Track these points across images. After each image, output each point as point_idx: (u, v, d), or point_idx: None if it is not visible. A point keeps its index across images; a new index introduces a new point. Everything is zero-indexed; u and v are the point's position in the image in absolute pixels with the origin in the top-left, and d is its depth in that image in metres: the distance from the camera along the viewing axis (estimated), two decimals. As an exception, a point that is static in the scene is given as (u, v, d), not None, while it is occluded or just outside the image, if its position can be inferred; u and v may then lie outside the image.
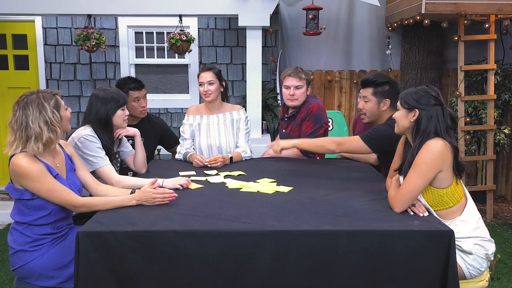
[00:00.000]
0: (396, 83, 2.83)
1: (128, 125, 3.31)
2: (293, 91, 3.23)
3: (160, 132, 3.56)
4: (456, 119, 2.22)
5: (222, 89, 3.26)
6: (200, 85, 3.21)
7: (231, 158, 3.15)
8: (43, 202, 2.10)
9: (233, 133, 3.31)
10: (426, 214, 2.07)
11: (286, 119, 3.42)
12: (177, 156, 3.32)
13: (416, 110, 2.14)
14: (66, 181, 2.18)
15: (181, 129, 3.38)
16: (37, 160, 2.07)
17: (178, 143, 3.65)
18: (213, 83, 3.18)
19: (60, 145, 2.31)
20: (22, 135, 2.06)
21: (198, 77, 3.24)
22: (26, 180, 2.05)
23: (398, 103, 2.24)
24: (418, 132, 2.14)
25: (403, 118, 2.20)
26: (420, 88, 2.21)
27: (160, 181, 2.49)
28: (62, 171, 2.22)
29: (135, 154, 2.94)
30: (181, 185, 2.48)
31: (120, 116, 2.74)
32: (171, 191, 2.23)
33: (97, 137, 2.63)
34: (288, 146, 2.80)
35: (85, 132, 2.61)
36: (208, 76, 3.17)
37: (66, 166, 2.27)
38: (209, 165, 3.01)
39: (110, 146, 2.72)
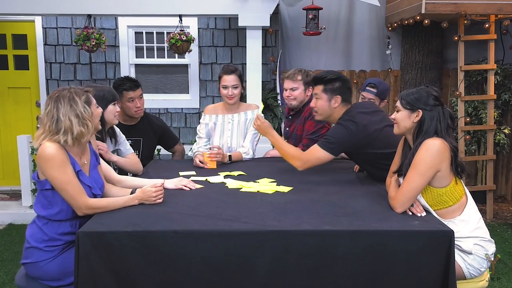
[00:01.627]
0: (347, 80, 2.75)
1: (127, 126, 3.31)
2: (289, 92, 3.29)
3: (159, 132, 3.55)
4: (455, 119, 2.20)
5: (243, 91, 3.31)
6: (224, 87, 3.21)
7: (229, 156, 3.16)
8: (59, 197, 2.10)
9: (245, 134, 3.34)
10: (424, 214, 2.07)
11: (290, 117, 3.44)
12: (189, 152, 3.39)
13: (420, 111, 2.13)
14: (88, 179, 2.18)
15: (198, 128, 3.40)
16: (63, 151, 2.07)
17: (178, 143, 3.65)
18: (237, 87, 3.22)
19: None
20: (52, 128, 2.07)
21: (220, 78, 3.24)
22: (47, 165, 2.04)
23: (399, 104, 2.21)
24: (420, 132, 2.13)
25: (405, 119, 2.18)
26: (421, 88, 2.20)
27: (161, 181, 2.49)
28: (86, 169, 2.21)
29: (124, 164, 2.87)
30: (184, 186, 2.49)
31: (111, 111, 2.71)
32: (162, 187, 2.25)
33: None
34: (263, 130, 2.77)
35: None
36: (233, 79, 3.19)
37: (90, 163, 2.27)
38: (206, 166, 3.02)
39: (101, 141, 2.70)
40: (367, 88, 3.28)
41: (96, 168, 2.30)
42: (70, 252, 2.15)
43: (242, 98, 3.45)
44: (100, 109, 2.26)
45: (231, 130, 3.32)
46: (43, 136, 2.09)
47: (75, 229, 2.16)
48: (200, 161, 3.06)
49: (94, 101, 2.21)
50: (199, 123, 3.41)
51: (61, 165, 2.04)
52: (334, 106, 2.67)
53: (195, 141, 3.44)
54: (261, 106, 3.17)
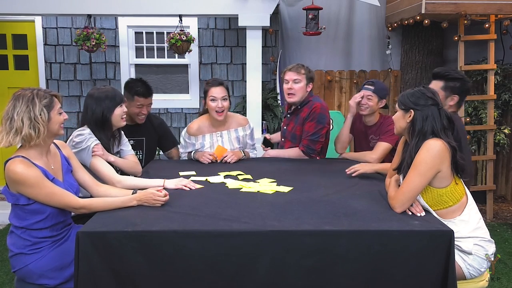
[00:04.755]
0: (469, 82, 2.72)
1: (129, 126, 3.29)
2: (291, 85, 3.21)
3: (159, 131, 3.51)
4: (453, 120, 2.22)
5: (230, 104, 3.21)
6: (212, 100, 3.09)
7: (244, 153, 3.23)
8: (40, 207, 2.07)
9: (240, 149, 3.30)
10: (423, 214, 2.07)
11: (288, 115, 3.41)
12: (181, 157, 3.33)
13: (411, 110, 2.17)
14: (62, 184, 2.17)
15: (182, 142, 3.30)
16: (32, 165, 2.04)
17: (175, 146, 3.61)
18: (226, 99, 3.12)
19: (56, 146, 2.30)
20: (7, 126, 2.05)
21: (207, 92, 3.12)
22: (24, 186, 2.02)
23: (396, 105, 2.27)
24: (414, 132, 2.16)
25: (400, 119, 2.23)
26: (417, 89, 2.23)
27: (161, 181, 2.49)
28: (58, 174, 2.20)
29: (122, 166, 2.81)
30: (184, 186, 2.48)
31: (118, 114, 2.69)
32: (166, 193, 2.21)
33: (94, 136, 2.62)
34: (369, 171, 2.74)
35: (82, 131, 2.62)
36: (221, 91, 3.09)
37: (62, 168, 2.25)
38: (222, 161, 3.07)
39: (107, 146, 2.70)
40: (365, 86, 3.25)
41: (70, 172, 2.29)
42: (59, 248, 2.15)
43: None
44: (64, 116, 2.19)
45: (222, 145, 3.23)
46: (1, 136, 2.05)
47: (55, 233, 2.17)
48: (209, 155, 3.09)
49: (57, 106, 2.15)
50: (183, 139, 3.27)
51: (37, 182, 2.02)
52: (450, 103, 2.69)
53: None
54: None
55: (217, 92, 3.08)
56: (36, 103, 2.06)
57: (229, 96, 3.18)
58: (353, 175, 2.73)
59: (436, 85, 2.70)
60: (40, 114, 2.05)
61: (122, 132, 2.93)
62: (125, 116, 2.75)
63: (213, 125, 3.22)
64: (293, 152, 3.29)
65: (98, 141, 2.61)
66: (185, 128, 3.32)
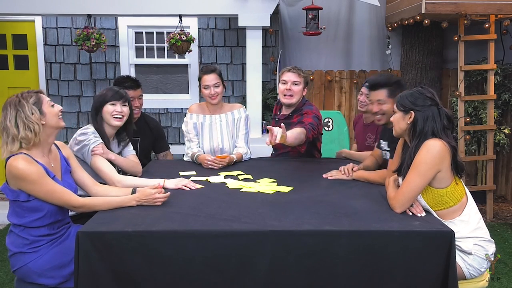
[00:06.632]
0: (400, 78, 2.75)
1: (123, 125, 3.29)
2: (290, 85, 3.13)
3: (154, 133, 3.52)
4: (452, 119, 2.21)
5: (225, 89, 3.26)
6: (205, 88, 3.17)
7: (235, 161, 3.14)
8: (39, 204, 2.08)
9: (234, 133, 3.30)
10: (424, 214, 2.07)
11: (277, 119, 3.32)
12: (184, 158, 3.31)
13: (412, 112, 2.15)
14: (61, 183, 2.17)
15: (184, 128, 3.31)
16: (34, 162, 2.05)
17: (167, 149, 3.60)
18: (218, 85, 3.17)
19: (56, 146, 2.30)
20: (4, 137, 2.07)
21: (200, 79, 3.20)
22: (25, 182, 2.03)
23: (395, 106, 2.25)
24: (415, 133, 2.15)
25: (400, 121, 2.21)
26: (415, 90, 2.22)
27: (161, 181, 2.49)
28: (57, 172, 2.20)
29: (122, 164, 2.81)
30: (184, 186, 2.48)
31: (107, 111, 2.67)
32: (168, 193, 2.22)
33: (98, 135, 2.63)
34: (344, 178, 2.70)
35: (85, 129, 2.64)
36: (213, 78, 3.14)
37: (61, 167, 2.26)
38: (215, 167, 2.99)
39: (107, 142, 2.69)
40: (366, 84, 3.22)
41: (68, 173, 2.29)
42: (58, 247, 2.16)
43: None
44: (57, 107, 2.18)
45: (220, 130, 3.25)
46: (3, 148, 2.06)
47: (53, 231, 2.17)
48: (209, 162, 3.02)
49: (46, 100, 2.14)
50: (185, 123, 3.30)
51: (38, 178, 2.03)
52: None
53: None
54: None
55: (209, 80, 3.15)
56: (24, 104, 2.07)
57: (223, 81, 3.23)
58: (328, 178, 2.72)
59: (380, 95, 2.65)
60: (32, 113, 2.06)
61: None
62: (119, 116, 2.71)
63: (211, 110, 3.29)
64: (297, 131, 2.95)
65: (100, 141, 2.62)
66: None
